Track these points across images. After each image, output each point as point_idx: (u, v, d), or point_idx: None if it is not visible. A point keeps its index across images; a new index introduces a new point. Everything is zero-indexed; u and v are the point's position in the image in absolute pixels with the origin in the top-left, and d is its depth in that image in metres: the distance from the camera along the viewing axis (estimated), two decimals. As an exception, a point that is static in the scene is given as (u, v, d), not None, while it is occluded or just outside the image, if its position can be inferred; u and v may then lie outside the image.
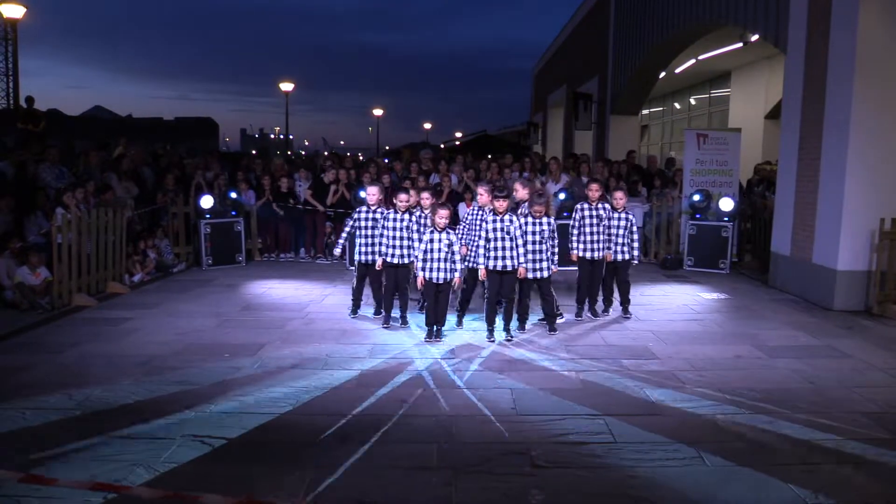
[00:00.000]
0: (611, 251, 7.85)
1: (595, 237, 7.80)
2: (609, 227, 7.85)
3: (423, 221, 7.39)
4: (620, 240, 7.83)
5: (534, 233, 7.14)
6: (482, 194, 7.64)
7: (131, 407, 5.01)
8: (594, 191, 7.87)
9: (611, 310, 8.05)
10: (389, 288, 7.44)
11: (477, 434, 4.62)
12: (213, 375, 5.72)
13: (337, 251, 8.07)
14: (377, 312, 7.84)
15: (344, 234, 7.97)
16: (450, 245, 6.81)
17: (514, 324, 7.23)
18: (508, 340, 6.88)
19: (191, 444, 4.38)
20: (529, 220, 7.17)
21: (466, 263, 7.61)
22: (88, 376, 5.65)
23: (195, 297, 8.92)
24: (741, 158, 12.55)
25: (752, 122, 16.96)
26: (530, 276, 7.13)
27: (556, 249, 7.32)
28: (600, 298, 8.12)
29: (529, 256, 7.09)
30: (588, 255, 7.80)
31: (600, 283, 8.02)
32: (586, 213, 7.85)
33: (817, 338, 7.16)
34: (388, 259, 7.30)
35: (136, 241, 10.32)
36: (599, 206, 7.86)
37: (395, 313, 7.52)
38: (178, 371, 5.83)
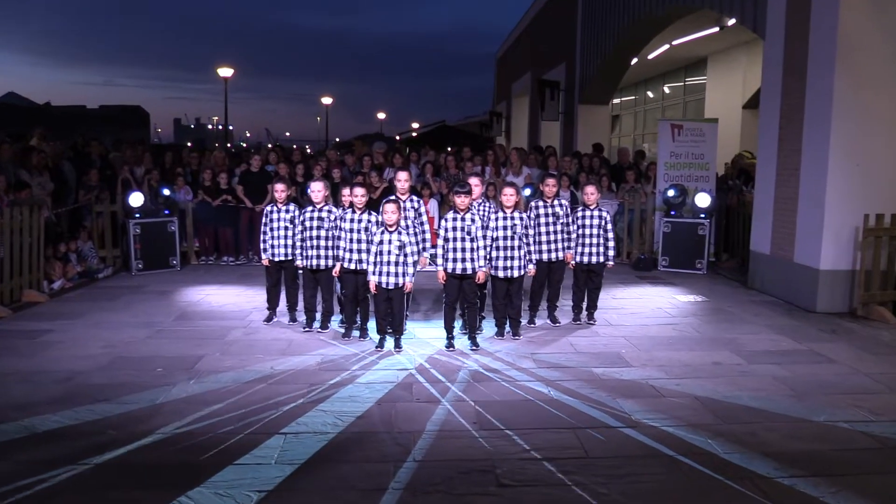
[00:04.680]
0: (571, 251, 7.83)
1: (551, 237, 7.71)
2: (567, 225, 7.77)
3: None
4: (595, 240, 7.76)
5: (504, 227, 7.09)
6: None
7: (49, 429, 4.86)
8: (550, 186, 7.78)
9: (582, 317, 8.07)
10: (349, 296, 7.28)
11: (438, 452, 4.60)
12: (144, 393, 5.59)
13: (265, 256, 7.93)
14: (324, 326, 7.66)
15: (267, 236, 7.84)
16: (401, 246, 6.72)
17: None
18: (473, 350, 6.88)
19: (114, 470, 4.27)
20: (500, 215, 7.14)
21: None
22: (1, 395, 5.48)
23: (123, 306, 8.74)
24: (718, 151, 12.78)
25: (730, 112, 17.28)
26: (501, 275, 7.13)
27: (531, 248, 7.31)
28: (570, 306, 8.13)
29: (502, 254, 7.08)
30: (544, 256, 7.69)
31: (559, 286, 7.98)
32: (541, 210, 7.73)
33: (800, 342, 7.32)
34: (346, 264, 7.13)
35: (55, 243, 10.07)
36: (556, 202, 7.75)
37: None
38: (103, 388, 5.68)
